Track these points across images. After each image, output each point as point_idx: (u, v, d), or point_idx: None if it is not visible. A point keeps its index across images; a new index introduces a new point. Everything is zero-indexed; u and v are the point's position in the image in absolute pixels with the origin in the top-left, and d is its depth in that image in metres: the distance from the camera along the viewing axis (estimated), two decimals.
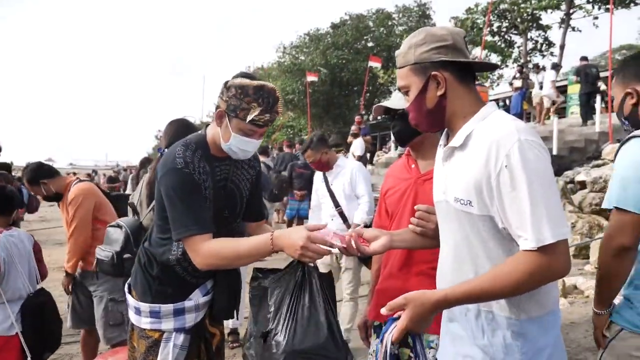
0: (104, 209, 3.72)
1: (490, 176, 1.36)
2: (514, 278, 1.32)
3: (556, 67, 14.42)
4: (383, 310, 1.44)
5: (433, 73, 1.48)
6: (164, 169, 1.96)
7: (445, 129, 1.60)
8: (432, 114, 1.53)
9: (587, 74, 12.47)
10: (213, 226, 1.94)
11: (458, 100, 1.50)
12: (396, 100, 2.24)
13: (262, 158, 10.70)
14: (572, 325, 4.43)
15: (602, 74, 16.17)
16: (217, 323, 2.30)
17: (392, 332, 1.45)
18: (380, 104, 2.28)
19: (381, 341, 1.50)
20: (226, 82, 1.95)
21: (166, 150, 2.48)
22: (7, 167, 7.55)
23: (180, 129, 2.94)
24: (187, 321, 2.11)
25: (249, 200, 2.25)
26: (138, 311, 2.13)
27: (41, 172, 3.71)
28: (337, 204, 4.31)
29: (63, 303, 3.96)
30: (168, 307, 2.07)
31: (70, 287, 3.72)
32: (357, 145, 12.91)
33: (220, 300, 2.19)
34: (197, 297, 2.13)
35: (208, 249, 1.87)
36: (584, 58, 13.12)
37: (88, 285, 3.64)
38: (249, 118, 1.90)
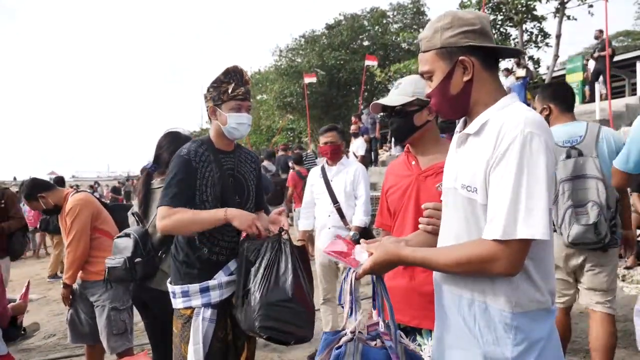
0: (102, 218, 3.71)
1: (492, 164, 1.37)
2: (457, 258, 1.38)
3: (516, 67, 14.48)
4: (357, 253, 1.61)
5: (461, 58, 1.46)
6: (173, 158, 2.49)
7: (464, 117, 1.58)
8: (456, 100, 1.51)
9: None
10: (184, 206, 2.37)
11: (483, 87, 1.49)
12: (393, 97, 2.23)
13: (265, 162, 10.76)
14: (582, 315, 4.41)
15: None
16: None
17: (355, 271, 1.61)
18: (377, 101, 2.27)
19: (345, 278, 1.66)
20: (205, 90, 2.51)
21: (155, 166, 3.20)
22: None
23: (173, 141, 3.21)
24: (213, 297, 2.45)
25: (255, 192, 2.67)
26: (174, 294, 2.52)
27: (37, 187, 3.72)
28: (335, 201, 4.31)
29: (56, 317, 3.98)
30: (195, 287, 2.44)
31: (69, 299, 3.71)
32: (359, 145, 12.89)
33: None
34: (221, 277, 2.48)
35: (171, 214, 2.35)
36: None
37: (89, 296, 3.64)
38: (231, 94, 2.43)
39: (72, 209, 3.58)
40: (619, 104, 12.94)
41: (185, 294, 2.47)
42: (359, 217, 4.33)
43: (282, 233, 2.41)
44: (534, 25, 18.71)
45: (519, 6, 17.02)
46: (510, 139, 1.33)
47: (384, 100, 2.25)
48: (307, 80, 21.13)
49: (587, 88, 15.00)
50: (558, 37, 16.32)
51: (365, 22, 28.64)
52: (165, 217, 2.36)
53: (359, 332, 1.68)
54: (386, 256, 1.54)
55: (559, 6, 16.31)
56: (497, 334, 1.41)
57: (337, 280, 4.50)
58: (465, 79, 1.47)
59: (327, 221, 4.37)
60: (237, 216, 2.34)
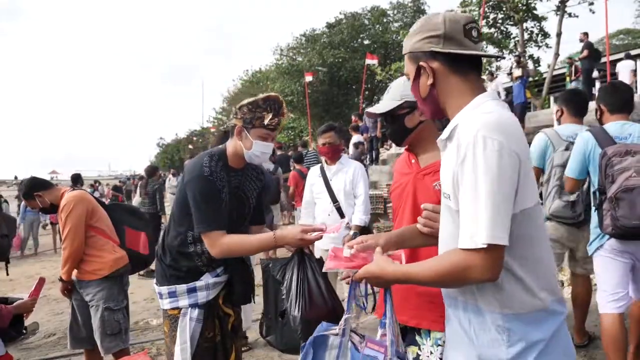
0: (97, 216, 3.71)
1: (456, 171, 1.37)
2: (435, 271, 1.39)
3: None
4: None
5: (420, 63, 1.49)
6: (192, 174, 2.41)
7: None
8: (426, 102, 1.56)
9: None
10: (227, 225, 2.38)
11: (450, 90, 1.49)
12: (383, 103, 2.24)
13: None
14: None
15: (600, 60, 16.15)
16: (232, 305, 2.65)
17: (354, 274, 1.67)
18: (368, 110, 2.30)
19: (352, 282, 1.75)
20: (237, 106, 2.46)
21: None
22: None
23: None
24: (199, 298, 2.48)
25: (255, 207, 2.67)
26: (160, 295, 2.55)
27: (35, 185, 3.73)
28: (334, 200, 4.31)
29: (56, 316, 3.98)
30: (182, 287, 2.48)
31: (70, 291, 3.72)
32: (357, 138, 12.88)
33: (238, 288, 2.60)
34: (207, 279, 2.51)
35: (222, 243, 2.34)
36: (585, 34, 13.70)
37: (84, 295, 3.63)
38: (265, 123, 2.39)
39: (66, 205, 3.59)
40: None
41: (172, 295, 2.49)
42: (358, 216, 4.32)
43: (304, 248, 2.41)
44: (535, 24, 18.69)
45: (519, 5, 17.00)
46: (465, 144, 1.33)
47: (373, 109, 2.26)
48: (308, 78, 21.15)
49: (571, 85, 15.31)
50: (558, 35, 16.32)
51: (366, 21, 28.66)
52: (216, 245, 2.34)
53: (352, 331, 1.71)
54: (375, 268, 1.58)
55: (559, 5, 16.29)
56: (491, 335, 1.40)
57: (337, 279, 4.50)
58: (429, 82, 1.49)
59: (326, 220, 4.36)
60: (287, 238, 2.32)
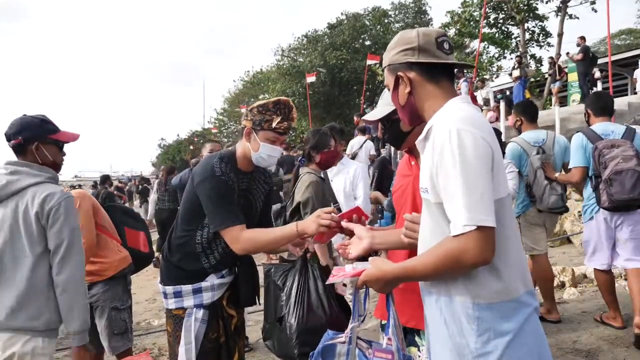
0: (100, 214, 3.72)
1: (434, 165, 1.46)
2: (432, 262, 1.43)
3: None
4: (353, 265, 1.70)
5: (398, 73, 1.64)
6: (204, 175, 2.39)
7: None
8: (405, 109, 1.69)
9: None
10: (241, 217, 2.36)
11: (427, 97, 1.62)
12: (376, 110, 2.28)
13: None
14: (584, 315, 4.40)
15: (602, 60, 16.17)
16: (236, 306, 2.64)
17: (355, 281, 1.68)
18: (363, 117, 2.33)
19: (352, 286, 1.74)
20: (249, 107, 2.47)
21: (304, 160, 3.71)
22: None
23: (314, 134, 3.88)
24: (205, 298, 2.48)
25: (262, 210, 2.68)
26: (165, 295, 2.54)
27: None
28: (334, 201, 4.31)
29: None
30: (187, 287, 2.47)
31: None
32: (370, 146, 12.81)
33: (244, 289, 2.58)
34: (213, 279, 2.50)
35: (245, 237, 2.32)
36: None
37: (88, 298, 3.63)
38: (274, 126, 2.39)
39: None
40: (621, 102, 12.88)
41: (177, 295, 2.49)
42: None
43: (308, 255, 2.45)
44: (536, 24, 18.70)
45: (521, 5, 17.02)
46: (441, 138, 1.43)
47: (369, 116, 2.30)
48: (309, 79, 21.17)
49: (554, 86, 15.60)
50: (560, 35, 16.32)
51: (367, 22, 28.69)
52: (240, 240, 2.32)
53: (358, 338, 1.73)
54: (374, 270, 1.62)
55: (560, 5, 16.30)
56: (462, 325, 1.46)
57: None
58: (406, 91, 1.64)
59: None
60: (308, 226, 2.26)
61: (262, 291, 2.61)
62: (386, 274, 1.59)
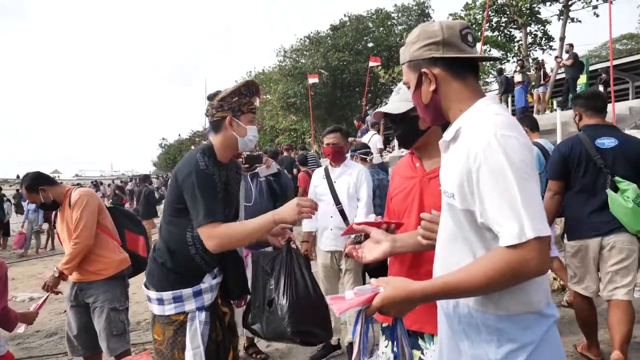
0: (104, 214, 3.73)
1: (470, 171, 1.36)
2: (485, 275, 1.30)
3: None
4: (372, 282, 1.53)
5: (423, 70, 1.53)
6: (187, 169, 2.36)
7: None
8: (428, 108, 1.59)
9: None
10: (223, 217, 2.35)
11: (453, 95, 1.53)
12: (395, 104, 2.22)
13: None
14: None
15: (603, 64, 16.16)
16: (227, 303, 2.67)
17: (364, 309, 1.50)
18: (381, 109, 2.26)
19: (357, 317, 1.54)
20: (219, 99, 2.46)
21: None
22: None
23: None
24: (206, 300, 2.48)
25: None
26: (161, 301, 2.46)
27: (40, 179, 3.73)
28: (337, 202, 4.30)
29: (58, 316, 3.98)
30: (188, 291, 2.44)
31: (55, 287, 3.63)
32: (377, 140, 12.80)
33: (233, 281, 2.62)
34: (209, 280, 2.51)
35: (219, 232, 2.28)
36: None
37: (86, 298, 3.61)
38: (251, 107, 2.47)
39: (79, 199, 3.59)
40: (622, 106, 12.87)
41: (178, 300, 2.44)
42: (360, 219, 4.30)
43: (291, 243, 2.53)
44: (538, 28, 18.69)
45: (523, 9, 17.02)
46: (482, 144, 1.34)
47: (386, 109, 2.22)
48: (311, 80, 21.16)
49: (537, 90, 15.75)
50: (562, 39, 16.32)
51: (370, 24, 28.67)
52: (214, 237, 2.27)
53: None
54: (395, 291, 1.44)
55: (562, 9, 16.30)
56: (481, 336, 1.42)
57: (339, 282, 4.50)
58: (431, 88, 1.53)
59: (329, 222, 4.36)
60: (285, 213, 2.27)
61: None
62: (414, 294, 1.42)
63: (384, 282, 1.49)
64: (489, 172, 1.32)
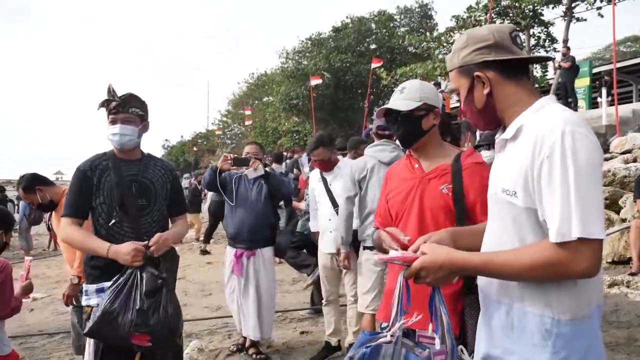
0: None
1: (534, 167, 1.35)
2: (529, 263, 1.33)
3: None
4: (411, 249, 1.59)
5: (476, 74, 1.52)
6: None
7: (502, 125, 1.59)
8: (482, 113, 1.57)
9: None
10: (84, 214, 2.71)
11: (507, 96, 1.51)
12: (400, 102, 2.23)
13: (274, 165, 10.75)
14: None
15: (606, 67, 16.14)
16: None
17: (404, 271, 1.56)
18: (386, 106, 2.26)
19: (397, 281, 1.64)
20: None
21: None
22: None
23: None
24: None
25: (170, 197, 2.88)
26: (80, 292, 2.94)
27: (37, 180, 3.77)
28: (335, 204, 4.29)
29: (60, 316, 3.99)
30: (92, 287, 2.70)
31: (73, 297, 3.65)
32: None
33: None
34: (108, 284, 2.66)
35: (68, 230, 2.67)
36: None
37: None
38: (108, 110, 2.69)
39: None
40: (626, 109, 12.85)
41: (87, 293, 2.72)
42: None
43: (144, 271, 2.57)
44: (541, 30, 18.68)
45: (526, 11, 17.00)
46: (550, 141, 1.32)
47: (393, 105, 2.23)
48: (313, 82, 21.15)
49: None
50: (565, 41, 16.28)
51: (372, 25, 28.65)
52: (64, 231, 2.69)
53: (404, 337, 1.65)
54: (437, 257, 1.47)
55: (565, 11, 16.28)
56: (535, 341, 1.39)
57: (340, 282, 4.50)
58: (485, 92, 1.52)
59: (328, 225, 4.35)
60: (120, 253, 2.51)
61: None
62: (456, 261, 1.45)
63: (428, 248, 1.52)
64: (550, 168, 1.30)
